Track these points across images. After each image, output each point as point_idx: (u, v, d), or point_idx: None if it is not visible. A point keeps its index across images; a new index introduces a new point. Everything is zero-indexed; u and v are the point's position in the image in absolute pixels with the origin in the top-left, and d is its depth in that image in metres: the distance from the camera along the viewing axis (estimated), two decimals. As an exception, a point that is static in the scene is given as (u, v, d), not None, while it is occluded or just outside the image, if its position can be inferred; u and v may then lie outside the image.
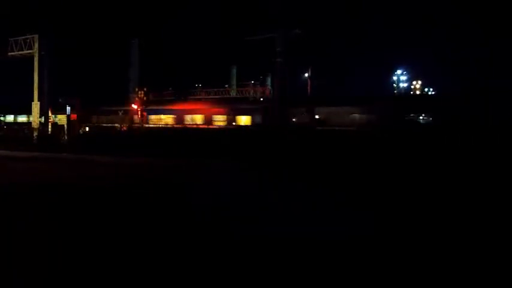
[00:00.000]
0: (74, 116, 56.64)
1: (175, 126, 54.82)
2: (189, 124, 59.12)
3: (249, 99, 66.66)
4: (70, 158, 24.32)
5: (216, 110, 60.39)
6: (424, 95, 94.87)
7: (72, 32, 62.76)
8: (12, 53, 45.77)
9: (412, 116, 49.45)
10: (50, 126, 48.86)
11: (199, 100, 68.62)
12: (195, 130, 45.79)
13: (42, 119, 45.00)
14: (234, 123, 59.62)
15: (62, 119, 55.85)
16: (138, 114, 67.94)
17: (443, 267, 5.64)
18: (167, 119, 63.64)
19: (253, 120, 55.72)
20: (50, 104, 49.10)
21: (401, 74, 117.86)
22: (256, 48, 72.89)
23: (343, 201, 10.10)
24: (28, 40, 44.78)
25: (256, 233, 6.79)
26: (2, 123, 64.91)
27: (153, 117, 65.07)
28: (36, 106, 44.72)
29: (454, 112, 39.46)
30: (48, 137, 40.23)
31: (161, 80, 70.50)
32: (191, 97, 69.28)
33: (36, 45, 44.17)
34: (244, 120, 57.28)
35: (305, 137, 28.02)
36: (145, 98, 70.10)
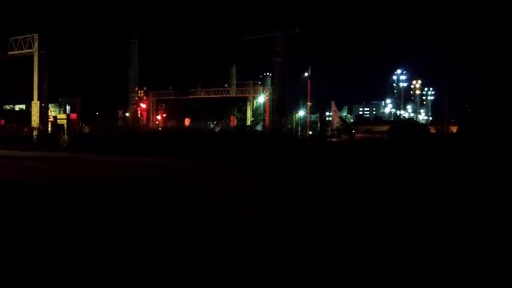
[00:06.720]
0: (73, 116, 56.62)
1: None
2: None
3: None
4: (70, 157, 24.36)
5: None
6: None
7: (72, 32, 62.44)
8: (12, 53, 45.69)
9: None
10: (49, 126, 48.83)
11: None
12: (195, 132, 45.53)
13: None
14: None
15: (61, 119, 55.83)
16: (138, 114, 67.69)
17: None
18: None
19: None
20: (50, 104, 49.10)
21: (401, 74, 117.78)
22: (256, 48, 72.67)
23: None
24: (28, 39, 44.69)
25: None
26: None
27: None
28: (36, 106, 44.68)
29: None
30: (48, 137, 40.23)
31: (161, 79, 70.08)
32: (191, 96, 69.07)
33: (36, 44, 44.09)
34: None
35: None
36: (144, 98, 69.76)
